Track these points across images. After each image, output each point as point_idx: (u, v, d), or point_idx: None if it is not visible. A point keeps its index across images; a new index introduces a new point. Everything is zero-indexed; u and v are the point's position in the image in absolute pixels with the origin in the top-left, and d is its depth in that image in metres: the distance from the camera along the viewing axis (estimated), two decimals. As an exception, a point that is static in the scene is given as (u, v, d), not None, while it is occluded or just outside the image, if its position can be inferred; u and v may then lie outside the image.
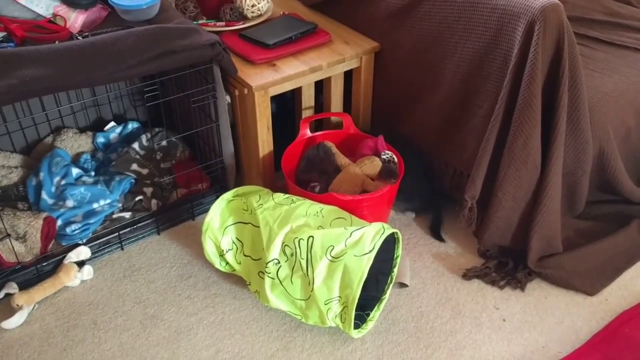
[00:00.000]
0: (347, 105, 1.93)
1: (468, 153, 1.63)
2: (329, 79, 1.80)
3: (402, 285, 1.61)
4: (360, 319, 1.48)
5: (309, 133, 1.80)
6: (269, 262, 1.44)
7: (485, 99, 1.54)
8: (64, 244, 1.65)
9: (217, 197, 1.62)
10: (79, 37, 1.52)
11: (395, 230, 1.47)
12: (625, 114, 1.63)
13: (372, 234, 1.41)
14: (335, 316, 1.41)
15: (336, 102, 1.87)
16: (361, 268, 1.34)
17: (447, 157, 1.71)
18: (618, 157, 1.63)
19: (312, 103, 1.89)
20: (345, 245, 1.39)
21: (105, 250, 1.69)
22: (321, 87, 1.88)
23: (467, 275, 1.63)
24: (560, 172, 1.52)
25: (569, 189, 1.63)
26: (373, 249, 1.37)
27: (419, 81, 1.70)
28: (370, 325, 1.49)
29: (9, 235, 1.55)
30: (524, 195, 1.55)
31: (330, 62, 1.71)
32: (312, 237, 1.41)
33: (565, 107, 1.44)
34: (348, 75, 1.85)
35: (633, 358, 1.41)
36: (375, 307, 1.51)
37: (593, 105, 1.55)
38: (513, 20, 1.42)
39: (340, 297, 1.38)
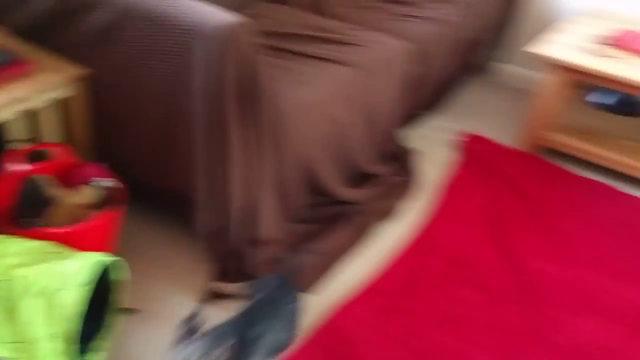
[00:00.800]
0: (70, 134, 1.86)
1: (182, 175, 1.65)
2: (39, 109, 1.72)
3: (133, 310, 1.58)
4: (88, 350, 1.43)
5: (20, 167, 1.69)
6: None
7: (189, 120, 1.57)
8: None
9: None
10: None
11: (115, 258, 1.44)
12: (326, 123, 1.77)
13: (89, 264, 1.36)
14: (56, 352, 1.33)
15: (50, 132, 1.79)
16: (77, 300, 1.30)
17: (163, 180, 1.72)
18: (324, 163, 1.76)
19: (24, 136, 1.78)
20: (58, 280, 1.33)
21: None
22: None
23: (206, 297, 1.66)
24: (270, 183, 1.61)
25: (284, 197, 1.72)
26: (89, 280, 1.33)
27: (126, 106, 1.69)
28: (97, 356, 1.44)
29: None
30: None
31: (33, 91, 1.63)
32: (19, 276, 1.33)
33: (263, 122, 1.53)
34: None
35: (345, 348, 1.52)
36: (101, 338, 1.46)
37: (295, 116, 1.67)
38: (203, 41, 1.46)
39: (56, 332, 1.31)
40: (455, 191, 2.12)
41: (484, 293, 1.69)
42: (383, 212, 1.98)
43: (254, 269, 1.67)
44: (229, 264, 1.68)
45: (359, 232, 1.87)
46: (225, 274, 1.69)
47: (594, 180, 2.23)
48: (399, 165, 2.21)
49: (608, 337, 1.58)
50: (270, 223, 1.66)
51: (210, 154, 1.53)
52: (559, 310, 1.64)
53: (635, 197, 2.15)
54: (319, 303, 1.66)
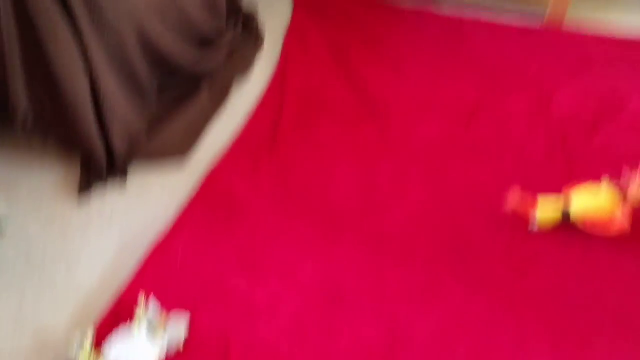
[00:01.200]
0: None
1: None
2: None
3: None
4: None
5: None
6: None
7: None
8: None
9: None
10: None
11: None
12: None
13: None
14: None
15: None
16: None
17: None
18: (167, 36, 1.76)
19: None
20: None
21: None
22: None
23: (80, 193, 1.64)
24: (107, 69, 1.58)
25: (130, 81, 1.70)
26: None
27: None
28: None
29: None
30: (88, 103, 1.56)
31: None
32: None
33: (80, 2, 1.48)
34: None
35: (227, 201, 1.60)
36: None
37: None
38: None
39: None
40: (299, 38, 2.18)
41: (340, 123, 1.82)
42: (238, 70, 2.02)
43: (119, 158, 1.68)
44: (94, 160, 1.66)
45: (220, 95, 1.91)
46: (94, 171, 1.67)
47: (416, 9, 2.36)
48: (244, 25, 2.22)
49: (442, 131, 1.78)
50: (123, 106, 1.65)
51: (31, 52, 1.47)
52: (404, 122, 1.81)
53: (448, 16, 2.30)
54: (196, 169, 1.70)
